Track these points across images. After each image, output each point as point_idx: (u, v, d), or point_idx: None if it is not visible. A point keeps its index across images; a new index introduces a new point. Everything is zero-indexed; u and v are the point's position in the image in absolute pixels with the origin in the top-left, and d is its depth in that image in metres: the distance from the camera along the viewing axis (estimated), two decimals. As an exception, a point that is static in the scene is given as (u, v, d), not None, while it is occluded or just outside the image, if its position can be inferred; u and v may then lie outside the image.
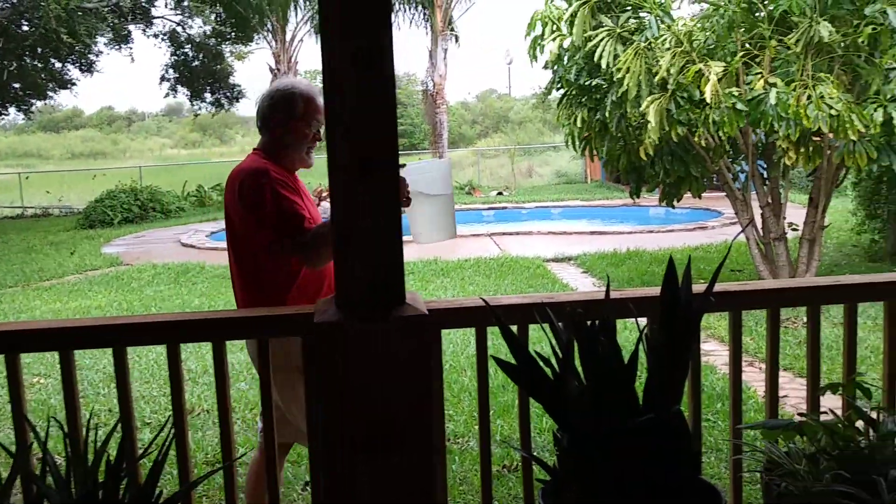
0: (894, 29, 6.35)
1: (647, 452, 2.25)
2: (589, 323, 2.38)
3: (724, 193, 8.52)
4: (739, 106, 6.70)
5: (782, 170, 7.93)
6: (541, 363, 2.34)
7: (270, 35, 23.30)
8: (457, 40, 22.94)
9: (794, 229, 8.35)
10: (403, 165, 2.71)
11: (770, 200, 8.18)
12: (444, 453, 2.53)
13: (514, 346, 2.38)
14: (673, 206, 8.49)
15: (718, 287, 2.63)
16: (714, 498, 2.31)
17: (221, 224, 14.47)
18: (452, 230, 2.93)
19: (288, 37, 23.75)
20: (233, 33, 23.49)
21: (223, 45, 24.82)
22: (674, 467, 2.26)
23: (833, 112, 6.32)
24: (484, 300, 2.47)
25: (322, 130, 3.01)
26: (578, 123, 8.11)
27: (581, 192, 22.41)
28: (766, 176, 8.28)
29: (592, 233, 13.58)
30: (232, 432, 2.48)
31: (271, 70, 23.40)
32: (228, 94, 25.80)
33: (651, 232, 13.46)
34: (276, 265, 2.95)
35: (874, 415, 2.49)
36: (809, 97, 6.43)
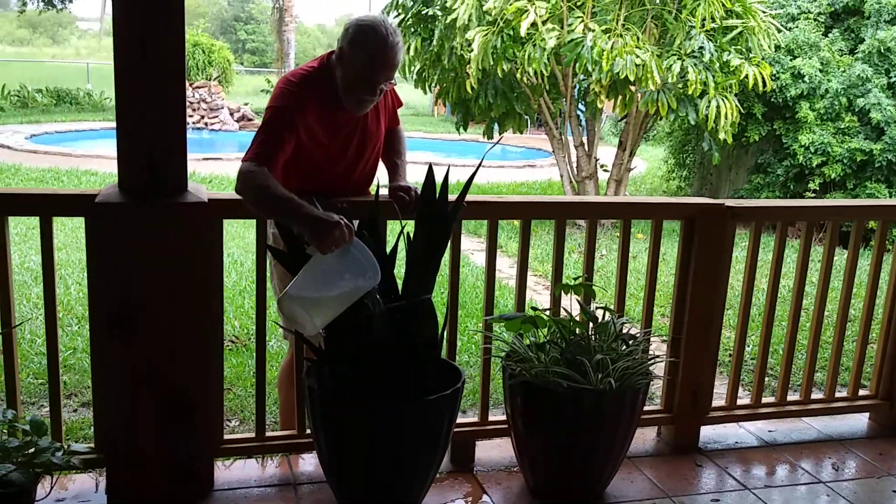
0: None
1: (397, 334, 2.56)
2: (357, 221, 2.67)
3: (544, 132, 9.03)
4: (550, 45, 7.09)
5: (593, 112, 8.48)
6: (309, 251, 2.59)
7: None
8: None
9: (605, 170, 8.99)
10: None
11: (584, 141, 8.76)
12: (220, 322, 2.72)
13: (287, 237, 2.62)
14: (491, 138, 8.88)
15: (478, 197, 2.98)
16: (455, 374, 2.68)
17: (44, 127, 13.57)
18: (315, 325, 2.44)
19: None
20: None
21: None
22: (418, 348, 2.59)
23: (638, 61, 6.85)
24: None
25: (384, 88, 2.66)
26: (411, 52, 8.31)
27: (426, 124, 22.69)
28: (581, 118, 8.83)
29: (426, 163, 13.85)
30: (12, 300, 2.59)
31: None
32: (61, -10, 24.05)
33: (483, 167, 13.94)
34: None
35: (599, 313, 2.93)
36: (624, 46, 6.94)
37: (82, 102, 21.66)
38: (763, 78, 7.40)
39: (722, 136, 7.51)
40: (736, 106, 7.44)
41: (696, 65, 7.10)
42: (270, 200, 2.51)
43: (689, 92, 7.18)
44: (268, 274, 2.91)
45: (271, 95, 2.73)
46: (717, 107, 7.25)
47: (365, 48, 2.59)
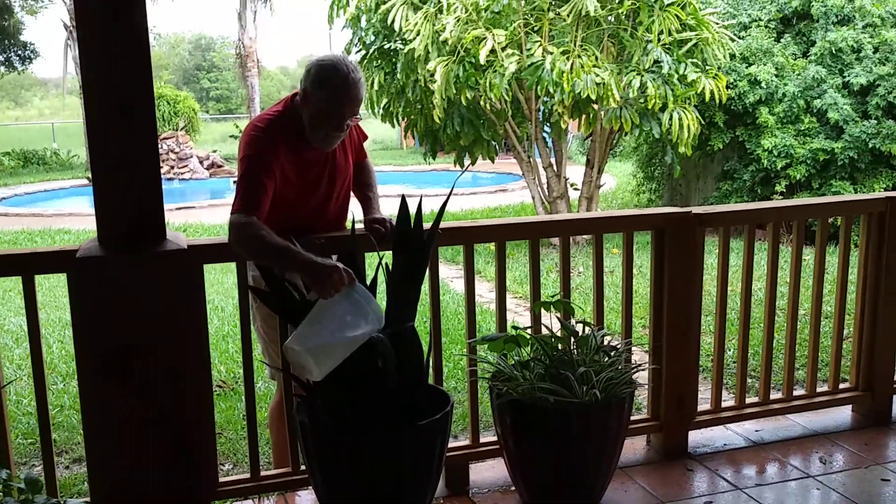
0: (651, 5, 7.09)
1: (383, 362, 2.60)
2: (336, 256, 2.72)
3: (512, 156, 9.15)
4: (510, 70, 7.21)
5: (558, 133, 8.61)
6: (291, 290, 2.64)
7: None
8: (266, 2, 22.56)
9: (576, 189, 9.11)
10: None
11: (553, 162, 8.88)
12: (207, 368, 2.75)
13: (267, 276, 2.66)
14: (462, 166, 8.97)
15: (452, 224, 3.05)
16: (443, 398, 2.72)
17: (13, 190, 13.51)
18: (321, 371, 2.46)
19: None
20: (22, -15, 21.93)
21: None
22: (404, 375, 2.63)
23: (598, 80, 6.99)
24: (241, 236, 2.72)
25: (349, 123, 2.73)
26: (375, 86, 8.41)
27: (396, 157, 22.84)
28: (547, 140, 8.96)
29: (399, 196, 13.96)
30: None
31: (66, 27, 22.04)
32: (20, 52, 24.08)
33: (455, 194, 14.06)
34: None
35: (579, 328, 2.99)
36: (582, 66, 7.08)
37: (50, 162, 21.60)
38: (719, 90, 7.57)
39: (682, 148, 7.66)
40: (697, 117, 7.59)
41: (654, 79, 7.25)
42: (266, 250, 2.58)
43: (650, 106, 7.32)
44: (251, 316, 2.95)
45: (242, 145, 2.78)
46: (679, 119, 7.40)
47: (328, 87, 2.67)
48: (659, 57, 7.28)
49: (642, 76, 7.24)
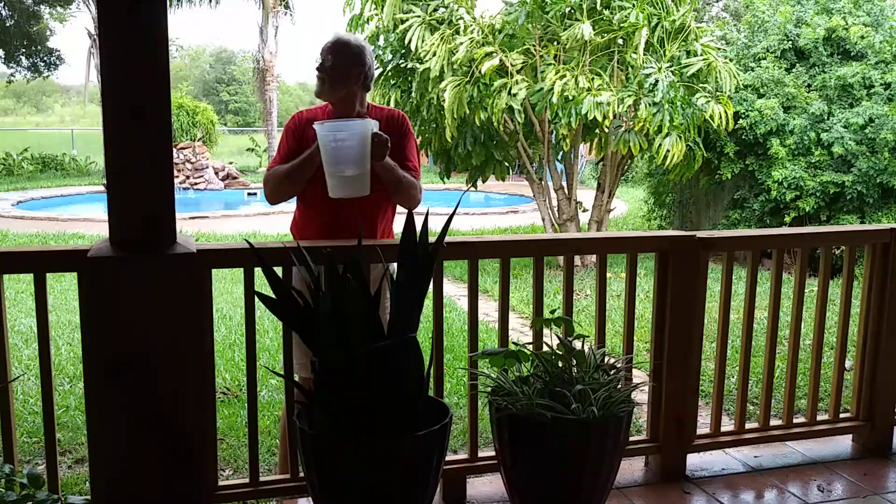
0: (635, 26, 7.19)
1: (383, 372, 2.64)
2: (342, 266, 2.76)
3: (524, 178, 9.21)
4: (521, 95, 7.30)
5: (562, 155, 8.68)
6: (297, 297, 2.68)
7: (91, -2, 22.22)
8: (287, 10, 22.77)
9: (585, 211, 9.14)
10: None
11: (563, 185, 8.92)
12: (211, 373, 2.80)
13: (274, 283, 2.71)
14: (476, 188, 9.05)
15: (458, 239, 3.09)
16: (443, 410, 2.75)
17: (30, 194, 13.70)
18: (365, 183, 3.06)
19: None
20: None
21: (41, 6, 23.45)
22: (404, 385, 2.66)
23: (601, 99, 7.06)
24: (249, 243, 2.78)
25: (323, 65, 3.21)
26: (391, 104, 8.50)
27: (409, 176, 22.95)
28: (557, 163, 9.02)
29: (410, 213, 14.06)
30: (8, 357, 2.66)
31: (90, 36, 22.34)
32: (46, 58, 24.42)
33: (467, 214, 14.16)
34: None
35: (578, 345, 3.02)
36: (588, 89, 7.15)
37: (68, 168, 21.82)
38: (727, 116, 7.62)
39: (672, 175, 7.72)
40: (682, 149, 7.56)
41: (649, 104, 7.29)
42: (284, 173, 3.14)
43: (637, 128, 7.39)
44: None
45: None
46: (669, 146, 7.43)
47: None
48: (655, 80, 7.33)
49: (638, 98, 7.30)
